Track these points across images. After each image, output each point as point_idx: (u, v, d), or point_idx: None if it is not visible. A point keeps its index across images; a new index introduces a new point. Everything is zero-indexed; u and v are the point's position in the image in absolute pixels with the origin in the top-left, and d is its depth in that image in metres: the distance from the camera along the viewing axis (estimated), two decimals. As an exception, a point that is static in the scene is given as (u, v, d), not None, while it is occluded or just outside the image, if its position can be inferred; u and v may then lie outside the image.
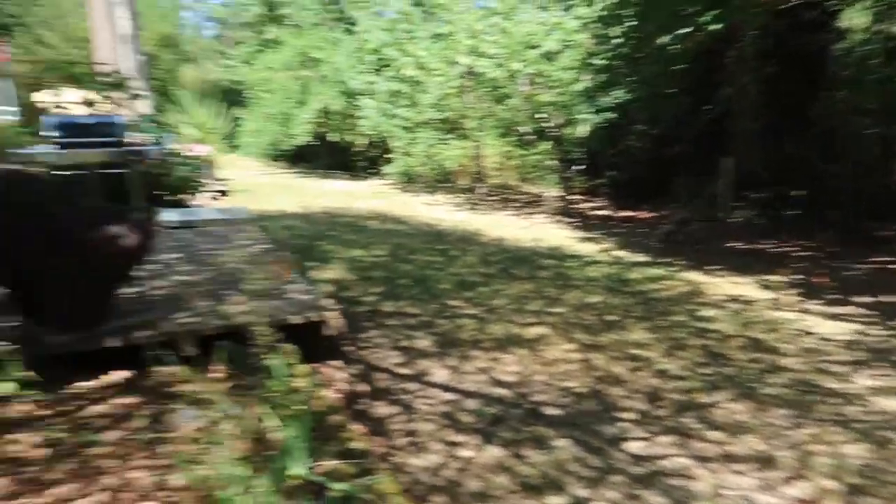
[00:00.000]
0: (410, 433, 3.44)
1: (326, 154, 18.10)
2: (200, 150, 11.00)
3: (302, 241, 7.86)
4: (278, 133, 16.37)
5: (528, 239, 9.15)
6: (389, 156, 15.46)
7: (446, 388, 4.08)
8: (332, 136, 15.80)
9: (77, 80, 7.75)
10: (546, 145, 12.97)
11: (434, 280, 6.59)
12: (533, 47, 10.16)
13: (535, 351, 4.75)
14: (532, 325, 5.33)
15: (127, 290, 3.92)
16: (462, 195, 13.87)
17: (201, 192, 9.37)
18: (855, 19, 9.12)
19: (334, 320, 4.00)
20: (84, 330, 3.45)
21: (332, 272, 6.67)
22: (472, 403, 3.87)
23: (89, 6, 12.18)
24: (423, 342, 4.86)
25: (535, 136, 12.79)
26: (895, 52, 8.56)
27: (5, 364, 2.90)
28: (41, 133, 6.22)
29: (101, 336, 3.46)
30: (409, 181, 15.06)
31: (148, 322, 3.65)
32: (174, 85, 23.07)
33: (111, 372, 3.44)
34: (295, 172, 17.70)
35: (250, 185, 13.78)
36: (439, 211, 11.70)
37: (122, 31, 14.39)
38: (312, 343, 3.99)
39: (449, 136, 14.26)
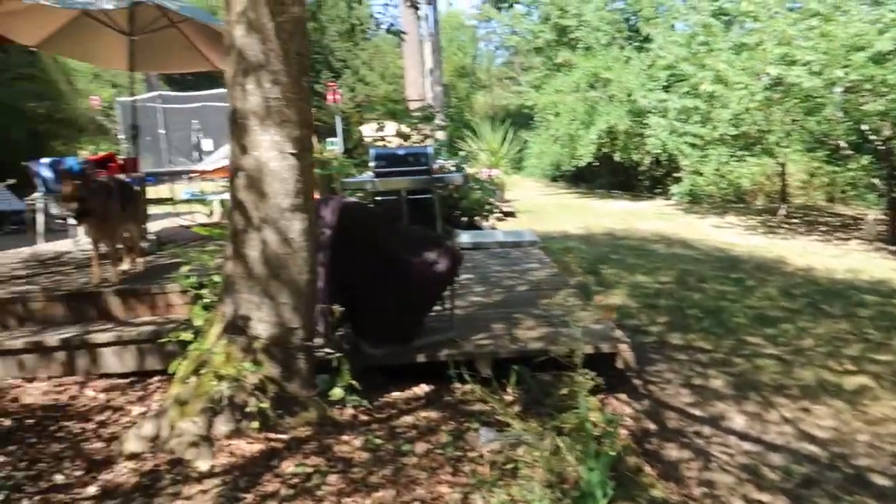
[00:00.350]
0: (707, 483, 3.21)
1: (607, 173, 17.92)
2: (491, 173, 11.69)
3: (585, 264, 7.87)
4: (561, 154, 16.68)
5: (842, 269, 8.00)
6: (676, 175, 14.77)
7: (745, 437, 3.74)
8: (617, 156, 15.60)
9: (394, 116, 8.78)
10: (865, 160, 11.23)
11: (728, 312, 6.10)
12: (859, 49, 8.88)
13: (856, 405, 4.12)
14: (851, 373, 4.64)
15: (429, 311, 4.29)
16: (758, 217, 12.67)
17: (491, 214, 9.93)
18: None
19: (625, 352, 3.91)
20: (398, 345, 3.87)
21: (616, 298, 6.56)
22: (777, 458, 3.49)
23: (404, 45, 13.76)
24: (717, 381, 4.52)
25: (852, 151, 11.17)
26: None
27: (337, 371, 3.37)
28: (370, 163, 7.14)
29: (413, 352, 3.84)
30: (696, 201, 14.20)
31: (450, 341, 3.96)
32: (468, 112, 24.97)
33: (418, 385, 3.80)
34: (575, 192, 17.84)
35: (533, 205, 14.22)
36: (731, 234, 10.82)
37: (427, 65, 16.02)
38: (602, 375, 3.96)
39: (744, 152, 13.15)
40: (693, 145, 12.84)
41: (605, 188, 17.82)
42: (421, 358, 3.85)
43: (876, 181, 11.00)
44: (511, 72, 30.73)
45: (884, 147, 10.03)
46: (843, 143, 10.99)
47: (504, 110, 26.55)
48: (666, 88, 13.68)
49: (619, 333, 4.13)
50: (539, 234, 8.40)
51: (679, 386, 4.44)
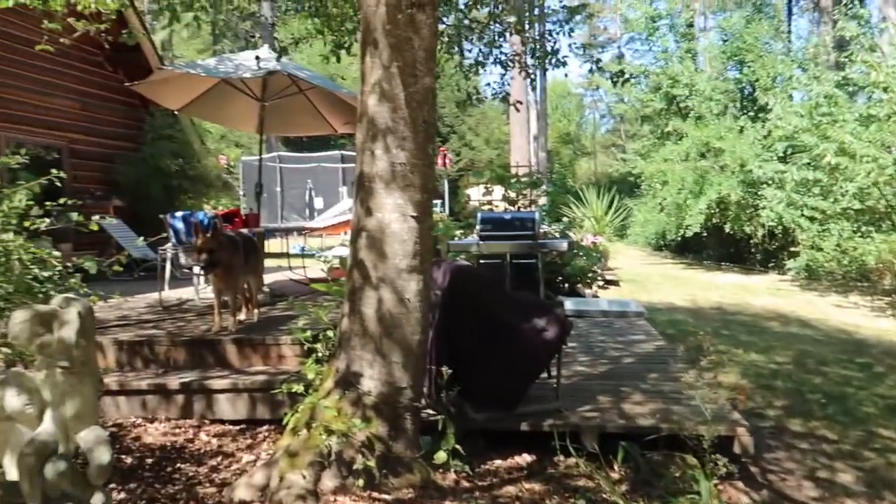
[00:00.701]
0: (838, 592, 2.91)
1: (715, 245, 17.29)
2: (595, 240, 11.55)
3: (693, 339, 7.53)
4: (667, 223, 16.31)
5: None
6: (792, 249, 14.04)
7: (882, 543, 3.38)
8: (727, 227, 15.06)
9: (501, 181, 8.93)
10: None
11: (854, 400, 5.62)
12: None
13: None
14: None
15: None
16: (886, 298, 11.74)
17: (594, 282, 9.77)
18: None
19: (743, 436, 3.67)
20: (502, 410, 3.81)
21: (727, 377, 6.21)
22: (920, 570, 3.13)
23: (511, 112, 14.09)
24: (846, 476, 4.14)
25: None
26: None
27: (441, 434, 3.36)
28: (477, 226, 7.27)
29: (517, 419, 3.77)
30: (814, 278, 13.38)
31: (555, 411, 3.87)
32: (570, 178, 25.04)
33: (520, 454, 3.71)
34: (680, 263, 17.27)
35: (636, 275, 13.86)
36: (855, 315, 10.06)
37: (532, 132, 16.25)
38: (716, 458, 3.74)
39: (870, 227, 12.34)
40: (812, 219, 12.21)
41: (712, 260, 17.16)
42: (524, 426, 3.77)
43: None
44: (616, 139, 30.64)
45: None
46: None
47: (607, 177, 26.40)
48: (782, 159, 13.19)
49: (736, 415, 3.90)
50: (643, 304, 8.15)
51: (802, 478, 4.10)
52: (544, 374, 4.25)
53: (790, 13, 31.31)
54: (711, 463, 2.54)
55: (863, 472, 4.20)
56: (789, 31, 20.16)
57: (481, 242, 7.24)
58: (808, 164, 11.42)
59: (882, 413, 5.30)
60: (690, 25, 19.78)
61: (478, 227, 7.51)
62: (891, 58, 11.05)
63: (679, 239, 16.55)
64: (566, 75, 14.80)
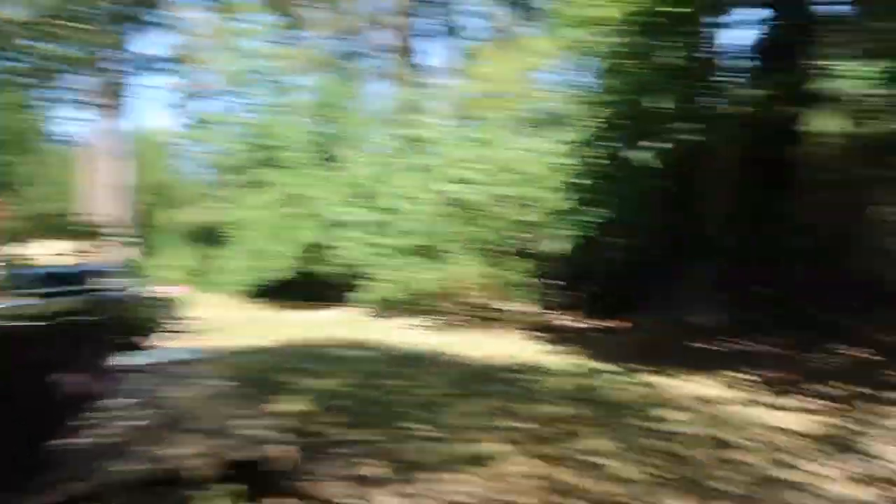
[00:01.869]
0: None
1: (303, 286, 18.14)
2: (173, 290, 11.10)
3: (265, 374, 7.75)
4: (257, 269, 16.58)
5: (503, 356, 9.12)
6: (366, 283, 15.60)
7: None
8: (311, 268, 16.00)
9: (60, 232, 8.00)
10: (525, 263, 13.17)
11: (398, 405, 6.48)
12: (513, 171, 10.86)
13: (495, 468, 4.66)
14: (495, 441, 5.23)
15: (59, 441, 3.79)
16: (440, 318, 13.88)
17: (167, 332, 9.38)
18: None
19: (286, 454, 3.92)
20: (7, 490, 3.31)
21: (292, 404, 6.54)
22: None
23: (85, 159, 12.80)
24: (377, 469, 4.72)
25: (514, 255, 13.03)
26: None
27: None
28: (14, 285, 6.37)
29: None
30: (386, 307, 15.08)
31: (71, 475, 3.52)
32: (160, 229, 23.65)
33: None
34: (271, 306, 17.68)
35: (222, 321, 13.68)
36: (414, 335, 11.68)
37: (116, 181, 15.06)
38: (260, 480, 3.90)
39: (426, 260, 14.48)
40: (381, 255, 13.82)
41: (302, 300, 17.91)
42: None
43: (531, 280, 12.90)
44: (210, 189, 30.10)
45: (535, 252, 11.99)
46: (505, 249, 12.82)
47: (198, 226, 25.68)
48: (360, 204, 14.67)
49: (278, 436, 4.16)
50: (223, 350, 8.15)
51: (339, 479, 4.52)
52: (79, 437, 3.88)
53: (370, 79, 35.28)
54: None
55: (393, 461, 4.84)
56: (367, 94, 22.49)
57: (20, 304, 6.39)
58: (375, 207, 12.96)
59: (414, 409, 6.24)
60: (279, 83, 20.67)
61: (20, 285, 6.62)
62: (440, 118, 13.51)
63: (270, 284, 16.97)
64: (158, 123, 14.25)
